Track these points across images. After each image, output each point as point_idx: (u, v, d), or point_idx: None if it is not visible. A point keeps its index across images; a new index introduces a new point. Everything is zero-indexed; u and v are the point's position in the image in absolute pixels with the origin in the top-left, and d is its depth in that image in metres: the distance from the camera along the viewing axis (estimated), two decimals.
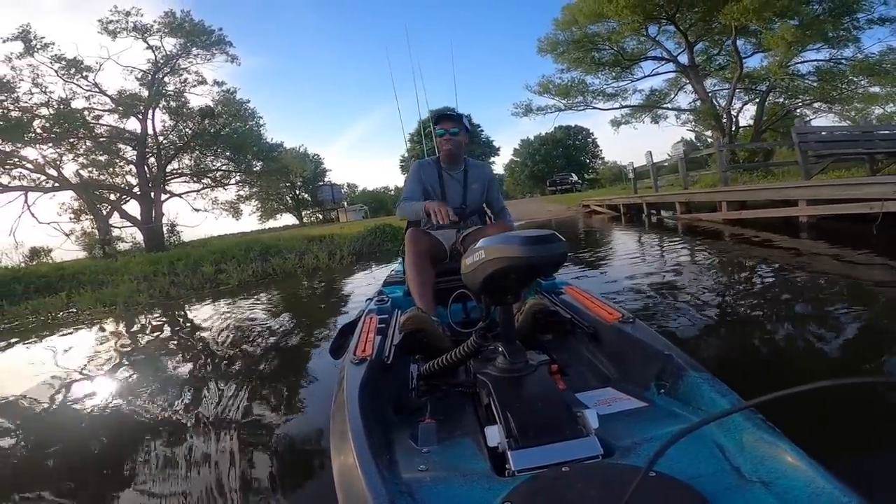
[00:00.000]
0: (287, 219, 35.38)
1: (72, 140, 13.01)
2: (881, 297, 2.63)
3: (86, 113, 14.25)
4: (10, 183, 13.09)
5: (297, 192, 34.72)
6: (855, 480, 0.65)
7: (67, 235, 13.83)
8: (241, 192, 20.38)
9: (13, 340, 4.37)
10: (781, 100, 17.57)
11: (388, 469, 0.84)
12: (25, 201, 12.89)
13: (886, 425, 1.33)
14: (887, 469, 1.16)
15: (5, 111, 12.78)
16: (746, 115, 18.50)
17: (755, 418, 0.82)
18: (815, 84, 15.71)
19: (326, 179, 34.99)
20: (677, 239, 6.12)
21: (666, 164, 11.00)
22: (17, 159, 12.73)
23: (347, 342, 1.46)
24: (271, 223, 34.24)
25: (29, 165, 13.44)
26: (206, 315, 4.63)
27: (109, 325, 4.64)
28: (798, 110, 17.73)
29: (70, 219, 14.43)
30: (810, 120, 18.42)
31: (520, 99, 23.95)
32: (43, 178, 13.70)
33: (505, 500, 0.71)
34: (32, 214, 12.92)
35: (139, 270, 7.76)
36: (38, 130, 12.70)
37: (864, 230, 4.04)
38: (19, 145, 12.57)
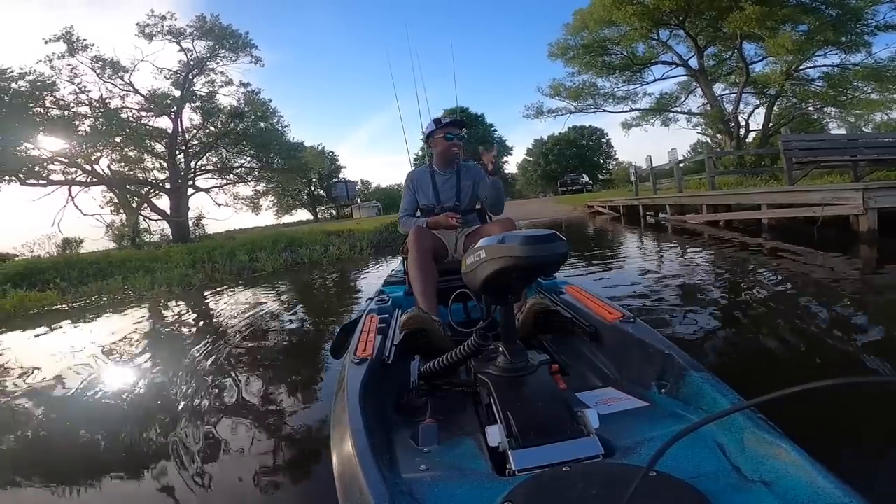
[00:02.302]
0: (302, 214, 36.22)
1: (111, 138, 13.93)
2: (809, 284, 3.31)
3: (122, 112, 15.30)
4: (49, 175, 14.11)
5: (313, 189, 35.54)
6: (855, 480, 0.66)
7: (109, 227, 14.82)
8: (259, 188, 21.44)
9: (91, 316, 5.20)
10: (788, 104, 17.89)
11: (388, 468, 0.84)
12: (69, 194, 13.88)
13: (886, 425, 1.36)
14: (888, 469, 1.19)
15: (46, 110, 13.79)
16: (758, 119, 18.85)
17: (756, 418, 0.83)
18: (823, 89, 16.03)
19: (341, 176, 35.69)
20: (661, 237, 6.82)
21: (681, 165, 11.39)
22: (62, 157, 13.70)
23: (348, 342, 1.47)
24: (286, 218, 35.13)
25: (65, 160, 14.44)
26: (250, 296, 5.46)
27: (169, 304, 5.47)
28: (815, 115, 18.00)
29: (111, 211, 15.41)
30: (826, 124, 18.65)
31: (533, 100, 24.52)
32: (79, 172, 14.72)
33: (505, 499, 0.71)
34: (76, 206, 13.91)
35: (179, 259, 8.61)
36: (86, 129, 13.66)
37: (813, 231, 4.73)
38: (72, 143, 13.53)
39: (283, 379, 2.47)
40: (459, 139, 2.18)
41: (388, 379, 1.29)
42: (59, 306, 5.94)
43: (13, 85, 12.83)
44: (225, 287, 6.25)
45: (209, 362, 2.80)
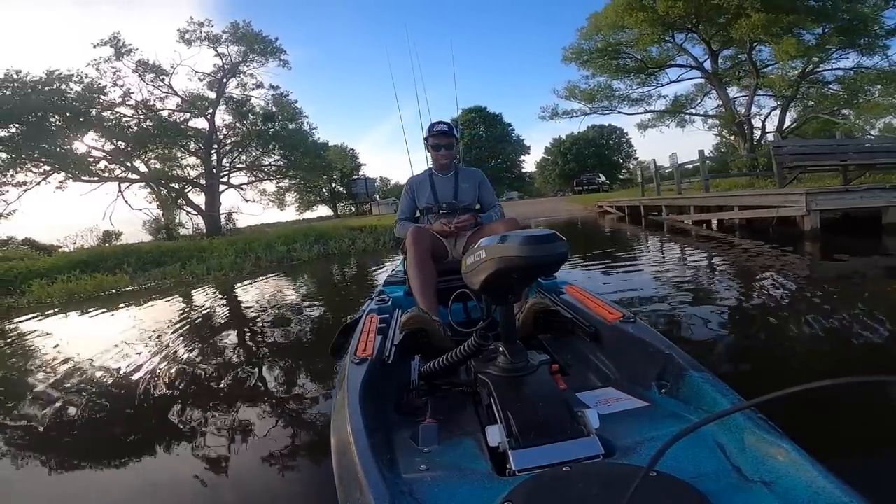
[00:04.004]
0: (322, 210, 37.40)
1: (159, 139, 15.15)
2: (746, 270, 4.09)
3: (165, 114, 16.61)
4: (103, 173, 15.42)
5: (334, 185, 36.63)
6: (855, 480, 0.67)
7: (156, 220, 16.21)
8: (282, 185, 22.74)
9: (163, 296, 6.20)
10: (805, 107, 18.12)
11: (388, 469, 0.85)
12: (119, 190, 15.23)
13: (886, 425, 1.38)
14: (888, 469, 1.20)
15: (98, 112, 15.06)
16: (776, 121, 19.00)
17: (756, 418, 0.83)
18: (838, 92, 16.28)
19: (361, 173, 36.66)
20: (654, 235, 7.59)
21: (690, 166, 11.84)
22: (114, 156, 15.02)
23: (348, 342, 1.48)
24: (307, 214, 36.34)
25: (111, 158, 15.72)
26: (293, 280, 6.45)
27: (227, 288, 6.47)
28: (834, 118, 18.11)
29: (157, 206, 16.75)
30: (845, 126, 18.75)
31: (552, 99, 25.09)
32: (123, 170, 16.01)
33: (506, 499, 0.72)
34: (126, 201, 15.25)
35: (223, 250, 9.66)
36: (134, 130, 14.96)
37: (781, 229, 5.49)
38: (122, 143, 14.81)
39: (310, 370, 2.61)
40: (448, 148, 2.23)
41: (388, 379, 1.30)
42: (130, 288, 7.00)
43: (63, 87, 14.07)
44: (270, 274, 7.28)
45: (236, 345, 3.26)
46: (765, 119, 18.62)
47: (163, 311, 4.93)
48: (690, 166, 10.77)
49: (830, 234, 4.85)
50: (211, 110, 17.59)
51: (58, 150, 13.08)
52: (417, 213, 2.35)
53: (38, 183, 13.91)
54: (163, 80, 16.83)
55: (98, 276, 7.26)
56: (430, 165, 2.32)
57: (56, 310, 5.69)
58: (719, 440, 0.85)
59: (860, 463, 1.21)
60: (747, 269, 4.16)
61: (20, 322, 5.10)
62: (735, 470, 0.79)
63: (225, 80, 18.14)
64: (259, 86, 18.76)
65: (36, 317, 5.35)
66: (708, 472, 0.78)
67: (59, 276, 7.42)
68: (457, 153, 2.37)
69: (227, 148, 18.57)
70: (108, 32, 16.06)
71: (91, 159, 14.83)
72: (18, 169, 13.46)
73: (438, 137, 2.21)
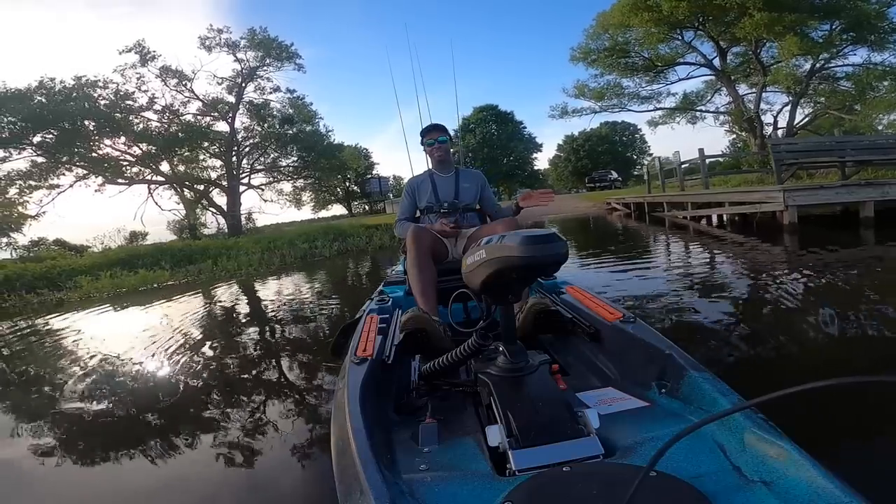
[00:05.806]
0: (336, 209, 38.10)
1: (187, 143, 15.93)
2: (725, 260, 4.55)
3: (187, 118, 17.43)
4: (135, 176, 16.26)
5: (348, 185, 37.22)
6: (855, 480, 0.67)
7: (184, 219, 17.04)
8: (297, 185, 23.55)
9: (200, 289, 6.83)
10: (813, 103, 18.17)
11: (388, 469, 0.85)
12: (149, 191, 16.08)
13: (886, 425, 1.38)
14: (888, 469, 1.21)
15: (126, 116, 15.83)
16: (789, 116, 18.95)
17: (756, 418, 0.84)
18: (846, 88, 16.34)
19: (374, 172, 37.20)
20: (654, 229, 8.02)
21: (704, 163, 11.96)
22: (144, 159, 15.86)
23: (348, 342, 1.49)
24: (322, 213, 37.02)
25: (139, 161, 16.54)
26: (317, 275, 7.05)
27: (256, 282, 7.10)
28: (845, 114, 18.08)
29: (184, 206, 17.61)
30: (852, 122, 18.71)
31: (562, 97, 25.31)
32: (149, 172, 16.83)
33: (506, 499, 0.72)
34: (156, 203, 16.10)
35: (249, 247, 10.33)
36: (162, 134, 15.78)
37: (762, 224, 5.94)
38: (150, 147, 15.63)
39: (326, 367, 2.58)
40: (440, 142, 2.28)
41: (388, 379, 1.32)
42: (170, 283, 7.64)
43: (93, 93, 14.86)
44: (295, 269, 7.91)
45: (257, 341, 3.43)
46: (776, 115, 18.72)
47: (203, 304, 5.52)
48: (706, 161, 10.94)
49: (812, 227, 5.28)
50: (231, 114, 18.37)
51: (92, 154, 13.89)
52: (418, 214, 2.38)
53: (71, 185, 14.86)
54: (185, 86, 17.67)
55: (141, 271, 7.94)
56: (430, 167, 2.38)
57: (107, 304, 6.25)
58: (719, 440, 0.85)
59: (860, 462, 1.22)
60: (723, 259, 4.62)
61: (79, 316, 5.66)
62: (735, 470, 0.79)
63: (244, 85, 18.90)
64: (276, 89, 19.59)
65: (98, 308, 5.95)
66: (708, 471, 0.79)
67: (102, 272, 8.13)
68: (455, 152, 2.62)
69: (247, 150, 19.38)
70: (126, 32, 16.93)
71: (125, 163, 15.71)
72: (52, 174, 14.34)
73: (430, 133, 2.30)
